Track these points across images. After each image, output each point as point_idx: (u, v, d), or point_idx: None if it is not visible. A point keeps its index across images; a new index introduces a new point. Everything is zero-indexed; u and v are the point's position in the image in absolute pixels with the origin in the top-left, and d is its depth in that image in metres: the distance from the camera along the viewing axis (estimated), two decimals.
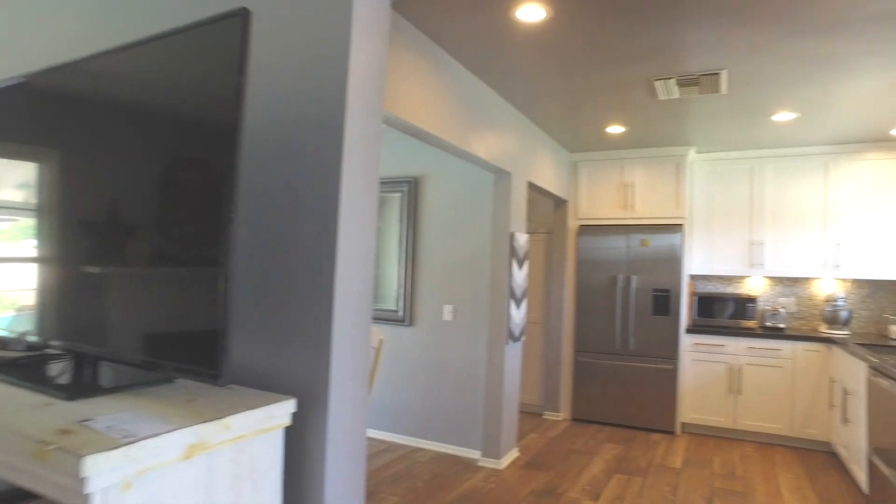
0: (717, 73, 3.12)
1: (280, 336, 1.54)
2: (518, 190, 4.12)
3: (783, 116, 3.95)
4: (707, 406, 4.79)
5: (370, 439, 4.40)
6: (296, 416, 1.50)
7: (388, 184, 4.61)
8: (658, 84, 3.31)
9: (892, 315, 4.88)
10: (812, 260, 4.78)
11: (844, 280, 5.01)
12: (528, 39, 2.88)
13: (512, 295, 3.97)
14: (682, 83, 3.27)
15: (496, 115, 3.76)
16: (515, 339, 4.04)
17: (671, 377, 4.84)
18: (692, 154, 5.06)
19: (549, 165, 4.86)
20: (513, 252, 3.97)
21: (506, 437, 3.97)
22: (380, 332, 3.19)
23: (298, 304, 1.52)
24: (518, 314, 4.08)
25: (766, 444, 4.61)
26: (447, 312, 4.22)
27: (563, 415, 5.26)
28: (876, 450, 3.19)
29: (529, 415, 5.35)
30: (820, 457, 4.31)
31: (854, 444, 3.68)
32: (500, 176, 4.02)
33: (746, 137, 4.57)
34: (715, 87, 3.33)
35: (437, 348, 4.26)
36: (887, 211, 4.59)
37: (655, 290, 4.96)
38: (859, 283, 4.98)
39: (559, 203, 5.43)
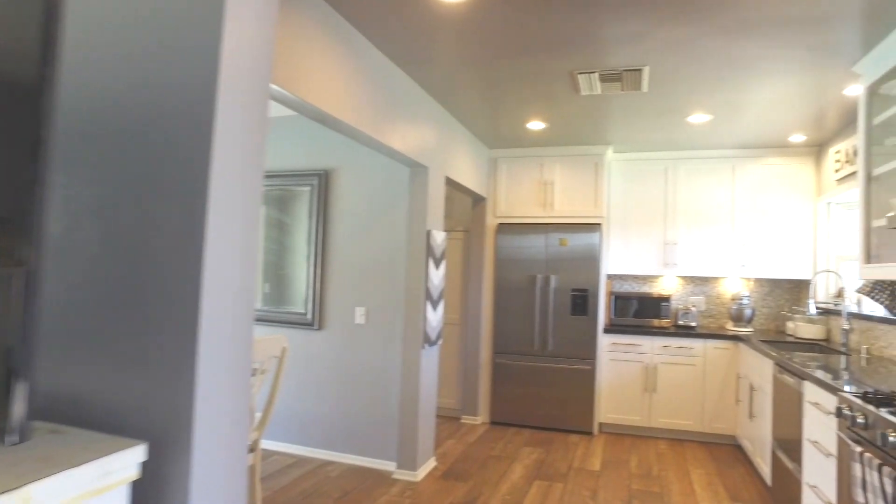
0: (639, 70, 3.05)
1: (128, 358, 1.20)
2: (436, 185, 3.90)
3: (698, 118, 3.99)
4: (624, 405, 4.80)
5: (275, 454, 4.03)
6: (147, 467, 1.16)
7: (296, 177, 4.26)
8: (581, 78, 3.20)
9: (788, 312, 5.11)
10: (721, 259, 4.91)
11: (749, 279, 5.19)
12: (447, 23, 2.66)
13: (428, 296, 3.75)
14: (605, 78, 3.18)
15: (414, 106, 3.53)
16: (432, 343, 3.83)
17: (589, 377, 4.81)
18: (610, 154, 5.06)
19: (468, 161, 4.68)
20: (430, 251, 3.75)
21: (423, 447, 3.75)
22: (284, 339, 2.87)
23: (154, 316, 1.19)
24: (435, 316, 3.87)
25: (678, 440, 4.68)
26: (360, 315, 3.94)
27: (481, 418, 5.11)
28: (779, 443, 3.25)
29: (447, 419, 5.16)
30: (726, 450, 4.42)
31: (759, 438, 3.76)
32: (417, 170, 3.79)
33: (663, 138, 4.60)
34: (637, 85, 3.27)
35: (348, 354, 3.97)
36: (784, 213, 4.78)
37: (574, 289, 4.92)
38: (761, 282, 5.18)
39: (477, 200, 5.27)
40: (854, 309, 4.03)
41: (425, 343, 3.70)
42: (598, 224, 4.92)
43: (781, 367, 3.27)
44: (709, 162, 4.97)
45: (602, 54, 2.93)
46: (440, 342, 4.08)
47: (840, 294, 4.45)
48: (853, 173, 3.99)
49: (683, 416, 4.65)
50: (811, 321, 4.57)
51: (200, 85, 1.22)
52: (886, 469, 1.79)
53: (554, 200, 5.08)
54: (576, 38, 2.77)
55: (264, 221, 4.34)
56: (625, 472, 3.90)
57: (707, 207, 4.96)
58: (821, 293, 4.63)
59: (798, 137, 4.45)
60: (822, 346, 4.11)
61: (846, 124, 4.06)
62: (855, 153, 3.91)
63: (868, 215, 2.88)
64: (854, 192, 4.10)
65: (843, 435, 2.18)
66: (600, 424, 4.91)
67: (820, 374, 2.73)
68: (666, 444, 4.55)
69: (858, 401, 2.16)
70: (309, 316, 4.09)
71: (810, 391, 2.76)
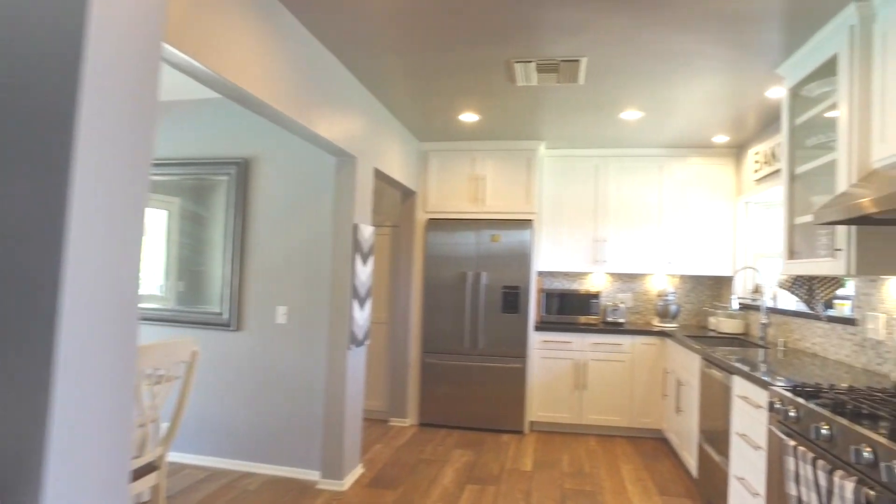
0: (577, 61, 2.98)
1: None
2: (364, 177, 3.70)
3: (631, 114, 4.00)
4: (554, 403, 4.77)
5: (187, 468, 3.70)
6: None
7: (213, 165, 3.92)
8: (518, 67, 3.09)
9: (710, 308, 5.27)
10: (649, 256, 4.98)
11: (674, 276, 5.31)
12: (378, 5, 2.48)
13: (355, 294, 3.55)
14: (543, 68, 3.09)
15: (343, 92, 3.31)
16: (359, 344, 3.62)
17: (520, 376, 4.76)
18: (542, 149, 5.03)
19: (398, 153, 4.50)
20: (357, 246, 3.55)
21: (349, 453, 3.54)
22: (193, 342, 2.59)
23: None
24: (362, 315, 3.67)
25: (608, 436, 4.71)
26: (281, 314, 3.67)
27: (410, 420, 4.94)
28: (706, 437, 3.29)
29: (374, 422, 4.96)
30: (653, 444, 4.48)
31: (686, 432, 3.81)
32: (345, 160, 3.57)
33: (595, 134, 4.61)
34: (573, 77, 3.21)
35: (268, 356, 3.69)
36: (707, 212, 4.92)
37: (505, 286, 4.85)
38: (685, 279, 5.31)
39: (407, 194, 5.10)
40: (771, 304, 4.18)
41: (352, 343, 3.50)
42: (530, 220, 4.87)
43: (709, 362, 3.31)
44: (638, 160, 5.04)
45: (540, 43, 2.84)
46: (367, 342, 3.89)
47: (757, 290, 4.61)
48: (771, 174, 4.13)
49: (613, 413, 4.69)
50: (731, 316, 4.72)
51: (64, 28, 0.98)
52: (820, 462, 1.78)
53: (486, 196, 4.99)
54: (514, 24, 2.65)
55: (178, 214, 3.98)
56: (557, 471, 3.85)
57: (636, 205, 5.03)
58: (739, 289, 4.79)
59: (721, 138, 4.57)
60: (742, 340, 4.23)
61: (765, 126, 4.20)
62: (773, 154, 4.04)
63: (791, 213, 2.94)
64: (771, 191, 4.25)
65: (774, 429, 2.18)
66: (531, 423, 4.87)
67: (748, 368, 2.76)
68: (596, 441, 4.56)
69: (789, 394, 2.16)
70: (226, 316, 3.78)
71: (739, 385, 2.79)
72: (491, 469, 3.85)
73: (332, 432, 3.46)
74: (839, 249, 2.39)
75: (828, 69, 2.72)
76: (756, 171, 4.38)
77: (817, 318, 3.29)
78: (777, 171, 4.02)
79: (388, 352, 5.10)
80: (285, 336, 3.66)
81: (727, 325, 4.54)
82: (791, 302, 4.20)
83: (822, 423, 1.85)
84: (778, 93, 3.47)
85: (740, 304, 4.61)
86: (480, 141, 4.98)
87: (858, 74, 2.37)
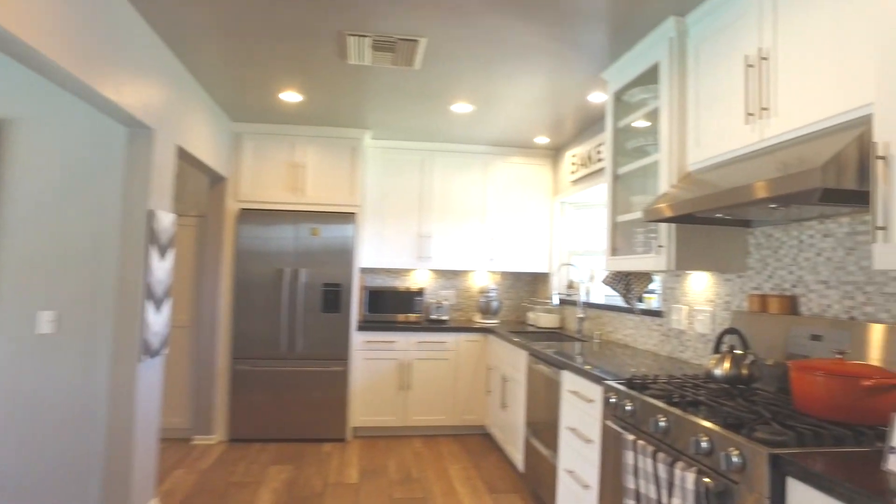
0: (415, 41, 2.78)
1: None
2: (164, 155, 3.10)
3: (462, 107, 3.93)
4: (378, 406, 4.55)
5: None
6: None
7: None
8: (352, 41, 2.80)
9: (528, 304, 5.49)
10: (472, 253, 5.01)
11: (495, 272, 5.43)
12: None
13: (150, 294, 2.95)
14: (379, 46, 2.83)
15: (141, 51, 2.70)
16: (154, 354, 3.02)
17: (342, 379, 4.45)
18: (368, 139, 4.78)
19: (207, 132, 3.91)
20: (153, 237, 2.95)
21: (139, 488, 2.93)
22: None
23: None
24: (158, 320, 3.07)
25: (433, 436, 4.62)
26: (46, 322, 2.90)
27: (217, 436, 4.35)
28: (534, 431, 3.34)
29: (174, 443, 4.27)
30: (477, 440, 4.50)
31: (511, 427, 3.86)
32: (139, 132, 2.94)
33: (423, 127, 4.48)
34: (410, 59, 3.00)
35: (28, 375, 2.89)
36: (527, 211, 5.10)
37: (326, 284, 4.51)
38: (505, 275, 5.46)
39: (216, 180, 4.49)
40: (586, 299, 4.43)
41: (145, 354, 2.89)
42: (354, 214, 4.59)
43: (537, 357, 3.36)
44: (464, 157, 5.05)
45: (378, 15, 2.58)
46: (165, 351, 3.28)
47: (572, 286, 4.89)
48: (587, 175, 4.38)
49: (437, 412, 4.61)
50: (549, 311, 4.94)
51: None
52: (661, 455, 1.79)
53: (306, 186, 4.59)
54: None
55: None
56: (384, 479, 3.63)
57: (461, 202, 5.03)
58: (556, 285, 5.04)
59: (542, 139, 4.76)
60: (560, 334, 4.43)
61: (583, 130, 4.45)
62: (589, 157, 4.29)
63: (614, 211, 3.08)
64: (586, 192, 4.52)
65: (611, 423, 2.20)
66: (354, 429, 4.60)
67: (578, 363, 2.81)
68: (421, 443, 4.45)
69: (624, 388, 2.19)
70: None
71: (569, 380, 2.83)
72: (313, 485, 3.50)
73: (116, 462, 2.83)
74: (661, 246, 2.51)
75: (648, 77, 2.88)
76: (573, 172, 4.63)
77: (630, 311, 3.53)
78: (593, 173, 4.27)
79: (192, 360, 4.44)
80: (53, 349, 2.90)
81: (545, 320, 4.74)
82: (602, 296, 4.51)
83: (660, 416, 1.88)
84: (599, 97, 3.65)
85: (553, 298, 4.85)
86: (302, 126, 4.57)
87: (677, 83, 2.52)
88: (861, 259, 1.97)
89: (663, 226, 2.51)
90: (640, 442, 1.91)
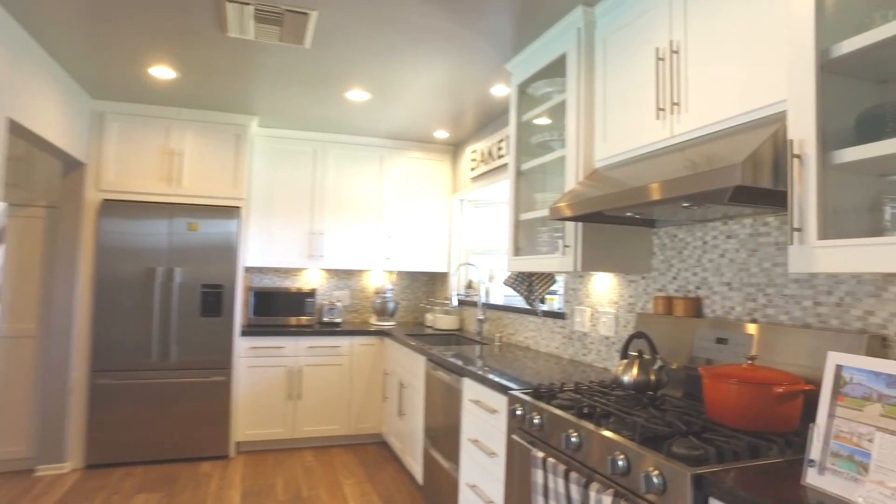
0: (305, 14, 2.47)
1: None
2: None
3: (357, 95, 3.65)
4: (265, 418, 4.16)
5: None
6: None
7: None
8: (231, 9, 2.44)
9: (426, 305, 5.31)
10: (368, 252, 4.74)
11: (391, 272, 5.19)
12: None
13: None
14: (262, 17, 2.50)
15: None
16: None
17: (224, 390, 4.02)
18: (255, 127, 4.36)
19: (58, 109, 3.34)
20: None
21: None
22: None
23: None
24: None
25: (325, 447, 4.30)
26: None
27: (71, 464, 3.76)
28: (433, 442, 3.15)
29: (10, 476, 3.63)
30: (373, 450, 4.25)
31: (409, 437, 3.65)
32: None
33: (316, 115, 4.14)
34: (300, 36, 2.69)
35: None
36: (425, 208, 4.91)
37: (206, 285, 4.05)
38: (401, 275, 5.25)
39: (71, 166, 3.88)
40: (485, 300, 4.32)
41: None
42: (238, 208, 4.16)
43: (435, 363, 3.16)
44: (360, 149, 4.76)
45: None
46: None
47: (471, 286, 4.76)
48: (487, 172, 4.26)
49: (330, 421, 4.30)
50: (448, 312, 4.79)
51: None
52: (574, 475, 1.65)
53: (182, 175, 4.09)
54: None
55: None
56: (271, 499, 3.28)
57: (356, 198, 4.74)
58: (455, 285, 4.89)
59: (441, 134, 4.58)
60: (458, 336, 4.28)
61: (484, 125, 4.32)
62: (490, 153, 4.17)
63: (517, 209, 2.95)
64: (486, 190, 4.40)
65: (517, 438, 2.05)
66: (238, 444, 4.17)
67: (480, 370, 2.65)
68: (313, 455, 4.11)
69: (530, 399, 2.05)
70: None
71: (470, 389, 2.66)
72: None
73: None
74: (568, 246, 2.41)
75: (554, 69, 2.77)
76: (473, 168, 4.50)
77: (533, 313, 3.43)
78: (494, 170, 4.16)
79: (39, 375, 3.80)
80: None
81: (444, 322, 4.57)
82: (502, 297, 4.42)
83: (571, 430, 1.74)
84: (502, 91, 3.53)
85: (452, 299, 4.71)
86: (179, 108, 4.07)
87: (584, 76, 2.42)
88: (763, 261, 1.96)
89: (570, 225, 2.40)
90: (551, 459, 1.76)
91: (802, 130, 1.42)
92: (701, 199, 1.70)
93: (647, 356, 2.20)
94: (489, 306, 4.12)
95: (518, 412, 2.06)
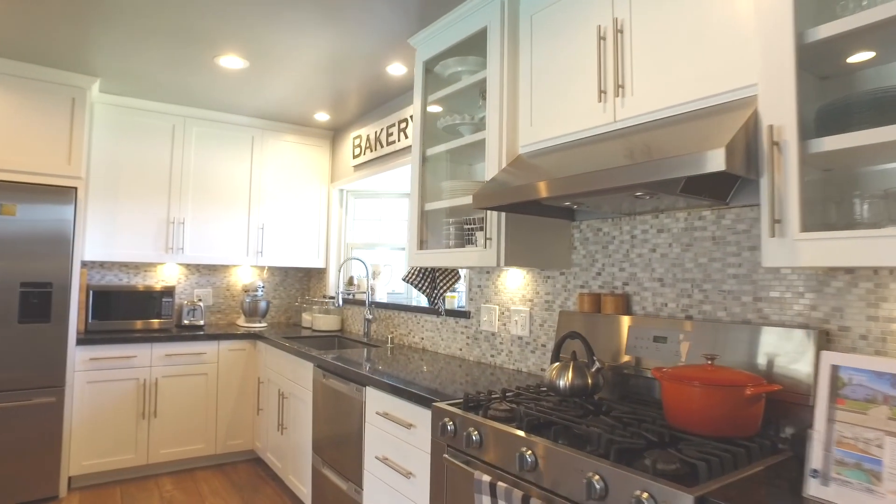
0: None
1: None
2: None
3: (231, 62, 3.14)
4: (110, 443, 3.47)
5: None
6: None
7: None
8: None
9: (302, 303, 4.85)
10: (237, 245, 4.18)
11: (263, 268, 4.67)
12: None
13: None
14: None
15: None
16: None
17: (54, 413, 3.27)
18: (96, 91, 3.62)
19: None
20: None
21: None
22: None
23: None
24: None
25: (188, 471, 3.70)
26: None
27: None
28: (325, 460, 2.79)
29: None
30: (246, 469, 3.74)
31: (293, 454, 3.24)
32: None
33: (178, 83, 3.52)
34: None
35: None
36: (302, 198, 4.47)
37: (28, 284, 3.27)
38: (273, 271, 4.74)
39: None
40: (371, 298, 4.00)
41: None
42: (73, 189, 3.41)
43: (327, 370, 2.80)
44: (229, 129, 4.18)
45: None
46: None
47: (352, 283, 4.42)
48: (374, 160, 3.95)
49: (194, 440, 3.71)
50: (328, 312, 4.40)
51: None
52: (536, 502, 1.44)
53: None
54: None
55: None
56: None
57: (224, 182, 4.16)
58: (334, 282, 4.51)
59: (322, 116, 4.17)
60: (342, 338, 3.92)
61: (371, 108, 3.99)
62: (377, 139, 3.85)
63: (422, 198, 2.69)
64: (370, 180, 4.08)
65: (451, 458, 1.79)
66: (72, 479, 3.43)
67: (399, 381, 2.35)
68: (173, 483, 3.51)
69: (461, 411, 1.80)
70: None
71: (377, 400, 2.35)
72: None
73: None
74: (490, 239, 2.19)
75: (466, 47, 2.55)
76: (356, 155, 4.15)
77: (434, 311, 3.19)
78: (381, 158, 3.85)
79: None
80: None
81: (323, 322, 4.17)
82: (386, 295, 4.12)
83: (524, 448, 1.53)
84: (398, 69, 3.23)
85: (332, 297, 4.32)
86: None
87: (508, 55, 2.22)
88: (699, 256, 1.89)
89: (493, 216, 2.19)
90: (502, 484, 1.53)
91: (781, 116, 1.33)
92: (658, 188, 1.57)
93: (581, 358, 2.07)
94: (377, 305, 3.82)
95: (449, 427, 1.80)
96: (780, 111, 1.33)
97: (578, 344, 2.14)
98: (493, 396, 1.93)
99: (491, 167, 2.22)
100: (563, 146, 1.97)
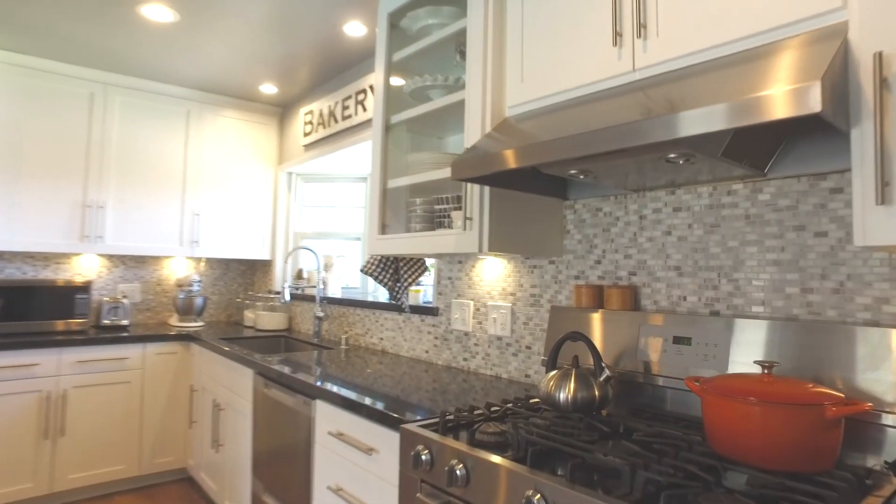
0: None
1: None
2: None
3: (158, 12, 2.63)
4: (3, 472, 2.89)
5: None
6: None
7: None
8: None
9: (244, 299, 4.35)
10: (168, 234, 3.65)
11: (200, 259, 4.14)
12: None
13: None
14: None
15: None
16: None
17: None
18: None
19: None
20: None
21: None
22: None
23: None
24: None
25: (105, 496, 3.16)
26: None
27: None
28: (268, 486, 2.34)
29: None
30: (177, 491, 3.23)
31: (230, 475, 2.76)
32: None
33: (94, 42, 2.98)
34: None
35: None
36: (246, 181, 3.97)
37: None
38: (212, 264, 4.22)
39: None
40: (323, 293, 3.56)
41: None
42: None
43: (269, 378, 2.35)
44: (160, 100, 3.63)
45: None
46: None
47: (301, 276, 3.95)
48: (326, 138, 3.50)
49: (112, 460, 3.17)
50: (274, 309, 3.92)
51: None
52: None
53: None
54: None
55: None
56: None
57: (152, 162, 3.61)
58: (281, 276, 4.03)
59: (269, 88, 3.68)
60: (292, 339, 3.45)
61: (326, 78, 3.53)
62: (332, 115, 3.41)
63: (384, 174, 2.27)
64: (322, 161, 3.64)
65: (426, 499, 1.38)
66: None
67: (339, 386, 1.93)
68: None
69: (437, 436, 1.40)
70: None
71: (328, 416, 1.92)
72: None
73: None
74: (470, 219, 1.80)
75: None
76: (307, 133, 3.68)
77: (397, 308, 2.77)
78: (336, 134, 3.41)
79: None
80: None
81: (268, 321, 3.69)
82: (339, 290, 3.68)
83: (529, 492, 1.14)
84: (357, 29, 2.80)
85: (278, 293, 3.83)
86: None
87: None
88: (728, 238, 1.55)
89: (475, 192, 1.80)
90: None
91: (892, 41, 0.98)
92: (700, 147, 1.21)
93: (584, 364, 1.70)
94: (330, 301, 3.37)
95: (423, 457, 1.40)
96: (890, 34, 0.99)
97: (581, 346, 1.77)
98: (476, 413, 1.54)
99: (472, 133, 1.82)
100: (563, 105, 1.59)
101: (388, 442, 1.62)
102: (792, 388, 1.13)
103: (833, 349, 1.26)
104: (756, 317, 1.48)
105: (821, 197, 1.39)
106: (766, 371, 1.20)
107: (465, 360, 2.39)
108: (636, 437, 1.30)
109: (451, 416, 1.50)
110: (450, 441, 1.35)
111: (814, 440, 1.08)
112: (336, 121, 3.36)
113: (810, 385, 1.15)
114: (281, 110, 4.10)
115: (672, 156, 1.28)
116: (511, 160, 1.39)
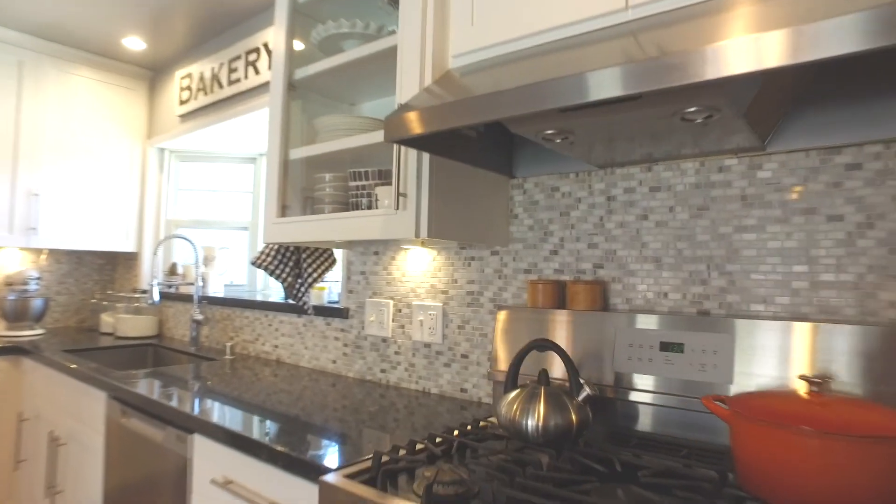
0: None
1: None
2: None
3: None
4: None
5: None
6: None
7: None
8: None
9: (101, 301, 3.62)
10: None
11: (41, 251, 3.37)
12: None
13: None
14: None
15: None
16: None
17: None
18: None
19: None
20: None
21: None
22: None
23: None
24: None
25: None
26: None
27: None
28: None
29: None
30: None
31: None
32: None
33: None
34: None
35: None
36: (101, 156, 3.27)
37: None
38: (58, 257, 3.46)
39: None
40: (202, 291, 2.98)
41: None
42: None
43: (128, 404, 1.80)
44: None
45: None
46: None
47: (174, 271, 3.33)
48: (205, 107, 2.94)
49: None
50: (139, 311, 3.26)
51: None
52: None
53: None
54: None
55: None
56: None
57: None
58: (150, 271, 3.37)
59: (136, 43, 3.03)
60: (160, 349, 2.85)
61: (209, 35, 2.95)
62: (217, 78, 2.85)
63: (285, 143, 1.82)
64: (202, 134, 3.06)
65: None
66: None
67: (226, 410, 1.46)
68: None
69: (375, 495, 1.00)
70: None
71: (213, 457, 1.44)
72: None
73: None
74: (404, 195, 1.41)
75: None
76: (184, 102, 3.08)
77: (298, 309, 2.30)
78: (218, 103, 2.86)
79: None
80: None
81: (132, 326, 3.04)
82: (222, 288, 3.12)
83: None
84: None
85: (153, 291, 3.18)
86: None
87: None
88: (719, 223, 1.30)
89: (412, 162, 1.41)
90: None
91: None
92: (731, 97, 0.92)
93: (554, 378, 1.38)
94: (211, 301, 2.82)
95: None
96: None
97: (550, 357, 1.44)
98: (418, 450, 1.16)
99: (407, 87, 1.43)
100: (526, 53, 1.24)
101: (299, 495, 1.19)
102: (859, 412, 0.87)
103: (842, 352, 1.03)
104: (757, 316, 1.23)
105: (834, 174, 1.17)
106: (814, 388, 0.94)
107: (382, 371, 1.99)
108: (644, 477, 0.99)
109: (388, 459, 1.11)
110: (397, 502, 0.96)
111: (881, 479, 0.82)
112: (221, 86, 2.81)
113: (864, 405, 0.90)
114: (152, 74, 3.43)
115: (691, 110, 0.98)
116: (488, 109, 1.02)
